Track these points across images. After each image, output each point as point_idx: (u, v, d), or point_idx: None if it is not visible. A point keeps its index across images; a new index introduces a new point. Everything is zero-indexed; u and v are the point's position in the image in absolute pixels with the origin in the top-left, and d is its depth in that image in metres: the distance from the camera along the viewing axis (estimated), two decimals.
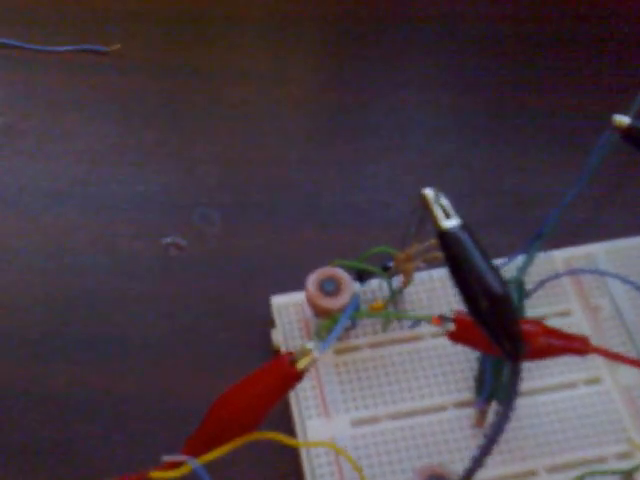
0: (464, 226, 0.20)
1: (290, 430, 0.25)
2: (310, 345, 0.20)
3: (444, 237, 0.20)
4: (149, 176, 0.33)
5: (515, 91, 0.35)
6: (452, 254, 0.20)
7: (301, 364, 0.20)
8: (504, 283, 0.20)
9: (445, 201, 0.21)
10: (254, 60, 0.37)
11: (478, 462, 0.19)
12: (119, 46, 0.36)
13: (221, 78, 0.36)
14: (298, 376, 0.20)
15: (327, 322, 0.25)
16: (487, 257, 0.20)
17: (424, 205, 0.21)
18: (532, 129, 0.34)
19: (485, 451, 0.19)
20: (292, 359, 0.20)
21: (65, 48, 0.36)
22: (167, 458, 0.20)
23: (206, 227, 0.32)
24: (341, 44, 0.37)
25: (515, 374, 0.19)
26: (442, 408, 0.25)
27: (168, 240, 0.32)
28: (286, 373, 0.20)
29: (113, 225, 0.32)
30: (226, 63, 0.37)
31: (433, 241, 0.25)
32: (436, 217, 0.21)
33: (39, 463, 0.25)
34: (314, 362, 0.20)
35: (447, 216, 0.21)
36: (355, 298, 0.25)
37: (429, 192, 0.21)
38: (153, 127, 0.35)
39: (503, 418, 0.19)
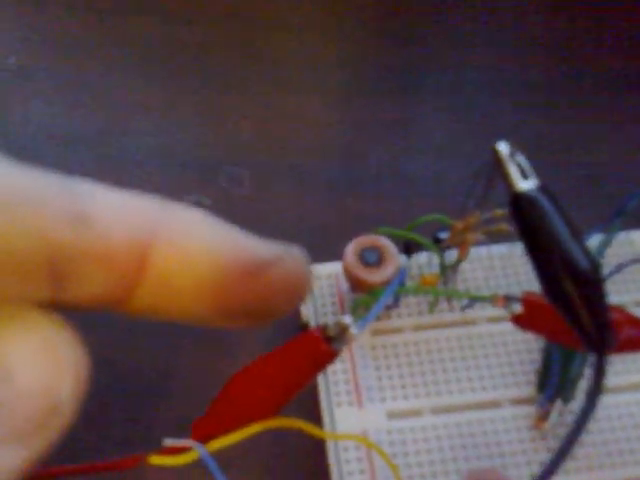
0: (544, 188, 0.17)
1: (317, 418, 0.22)
2: (347, 320, 0.17)
3: (520, 200, 0.17)
4: (173, 129, 0.30)
5: (595, 55, 0.31)
6: (529, 221, 0.17)
7: (337, 342, 0.16)
8: (593, 258, 0.16)
9: (522, 159, 0.17)
10: (297, 11, 0.33)
11: (552, 468, 0.15)
12: None
13: (260, 28, 0.33)
14: (331, 355, 0.17)
15: (365, 297, 0.22)
16: (572, 226, 0.16)
17: (496, 162, 0.18)
18: (613, 97, 0.30)
19: (562, 455, 0.15)
20: (325, 335, 0.17)
21: None
22: (170, 442, 0.17)
23: (233, 188, 0.29)
24: None
25: (600, 369, 0.16)
26: (496, 404, 0.21)
27: (191, 199, 0.28)
28: (317, 351, 0.16)
29: (130, 179, 0.29)
30: (266, 12, 0.33)
31: (498, 211, 0.21)
32: (511, 177, 0.17)
33: None
34: (351, 340, 0.16)
35: (524, 176, 0.17)
36: (402, 271, 0.21)
37: (504, 147, 0.17)
38: (182, 76, 0.31)
39: (583, 418, 0.16)
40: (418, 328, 0.23)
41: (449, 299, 0.23)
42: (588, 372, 0.21)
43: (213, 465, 0.17)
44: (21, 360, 0.11)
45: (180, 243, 0.12)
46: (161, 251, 0.12)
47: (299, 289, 0.13)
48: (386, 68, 0.31)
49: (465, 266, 0.23)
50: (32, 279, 0.12)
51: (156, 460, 0.17)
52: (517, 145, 0.18)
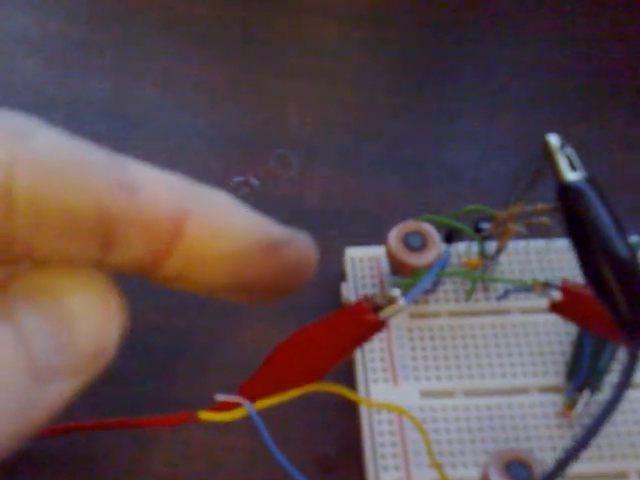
0: (592, 180, 0.18)
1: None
2: (395, 292, 0.17)
3: (567, 190, 0.18)
4: (227, 110, 0.31)
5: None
6: (574, 210, 0.17)
7: (385, 312, 0.17)
8: (632, 249, 0.17)
9: (571, 151, 0.18)
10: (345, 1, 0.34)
11: (573, 454, 0.16)
12: None
13: (312, 13, 0.34)
14: (379, 325, 0.18)
15: (407, 280, 0.23)
16: (616, 218, 0.17)
17: (546, 153, 0.18)
18: None
19: (583, 443, 0.16)
20: (373, 305, 0.17)
21: None
22: (221, 397, 0.18)
23: (282, 170, 0.30)
24: None
25: (633, 358, 0.17)
26: (525, 391, 0.22)
27: (240, 179, 0.29)
28: (364, 320, 0.17)
29: (183, 156, 0.30)
30: (314, 2, 0.34)
31: (541, 206, 0.22)
32: (560, 167, 0.18)
33: None
34: (399, 311, 0.17)
35: (572, 168, 0.18)
36: (445, 254, 0.22)
37: (554, 139, 0.18)
38: (236, 58, 0.32)
39: (609, 407, 0.16)
40: (454, 314, 0.24)
41: (485, 289, 0.24)
42: (616, 367, 0.22)
43: (259, 421, 0.18)
44: (82, 309, 0.13)
45: (211, 219, 0.13)
46: (194, 224, 0.13)
47: (306, 269, 0.15)
48: (436, 58, 0.32)
49: (503, 258, 0.24)
50: (86, 240, 0.13)
51: (206, 416, 0.18)
52: (566, 139, 0.19)
